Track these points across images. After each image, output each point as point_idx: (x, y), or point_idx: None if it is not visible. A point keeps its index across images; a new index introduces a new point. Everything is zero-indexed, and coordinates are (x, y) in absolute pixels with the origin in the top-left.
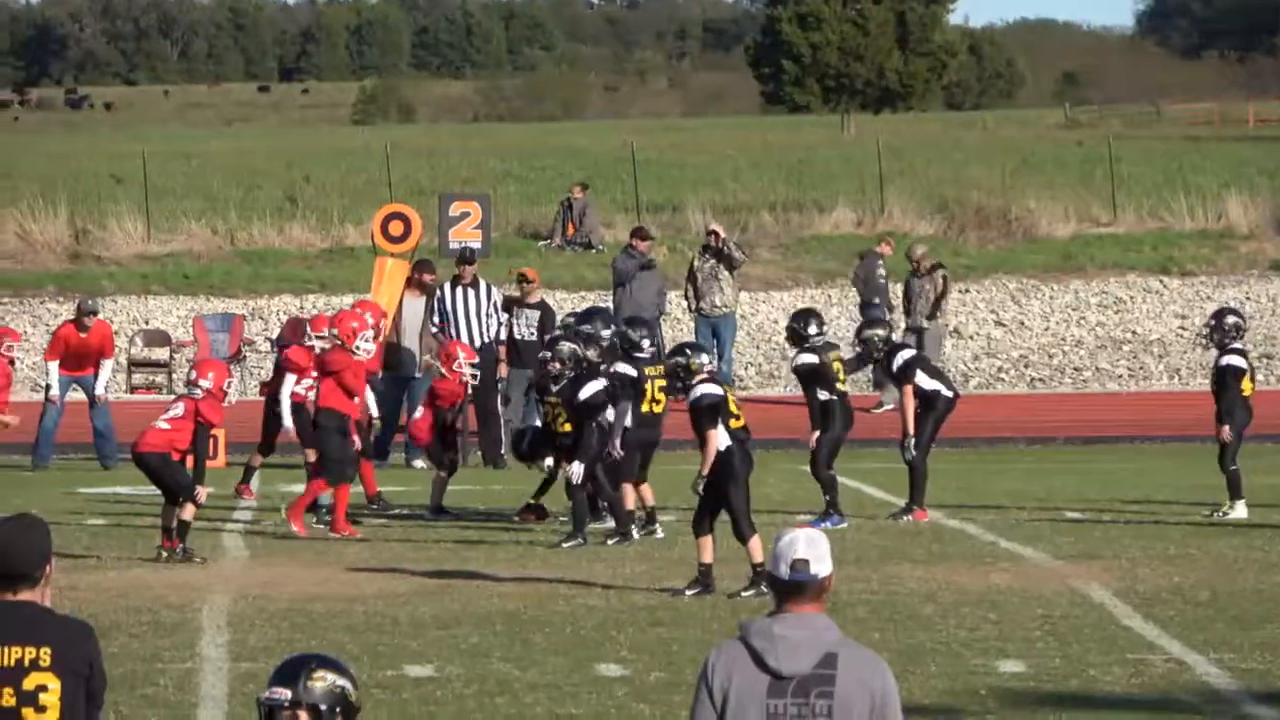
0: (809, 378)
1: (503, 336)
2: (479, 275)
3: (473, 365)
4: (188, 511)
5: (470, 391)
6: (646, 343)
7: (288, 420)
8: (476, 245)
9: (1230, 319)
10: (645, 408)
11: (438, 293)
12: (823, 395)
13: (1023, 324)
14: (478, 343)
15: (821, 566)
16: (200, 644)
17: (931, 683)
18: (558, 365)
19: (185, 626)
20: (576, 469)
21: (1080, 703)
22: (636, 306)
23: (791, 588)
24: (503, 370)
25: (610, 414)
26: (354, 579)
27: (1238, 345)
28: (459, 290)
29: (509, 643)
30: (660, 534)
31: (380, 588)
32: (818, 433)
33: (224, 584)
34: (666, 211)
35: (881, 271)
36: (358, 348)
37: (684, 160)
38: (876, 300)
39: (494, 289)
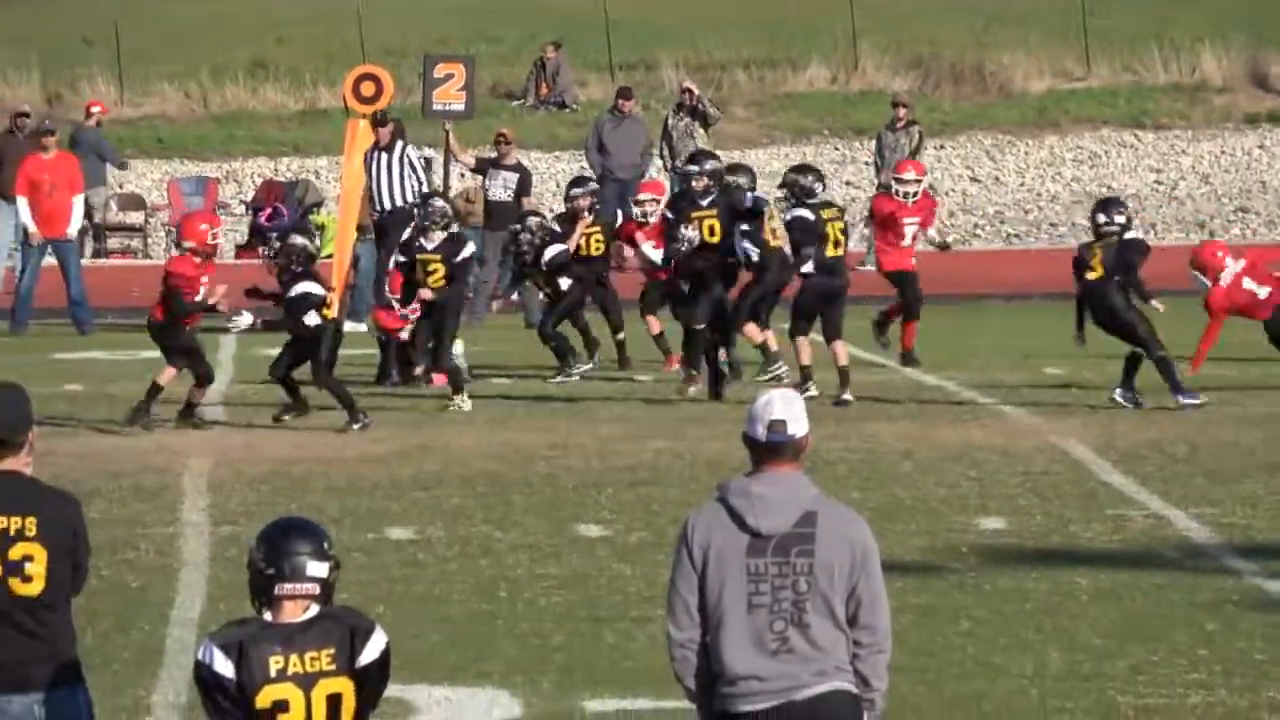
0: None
1: (415, 199)
2: (399, 137)
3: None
4: (164, 376)
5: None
6: (819, 187)
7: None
8: (460, 107)
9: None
10: (830, 251)
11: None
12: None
13: (998, 180)
14: (388, 206)
15: (798, 426)
16: (181, 508)
17: (912, 540)
18: (527, 237)
19: (166, 491)
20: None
21: (1061, 559)
22: (617, 165)
23: (769, 448)
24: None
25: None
26: (333, 442)
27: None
28: (375, 154)
29: (490, 504)
30: (813, 391)
31: (360, 450)
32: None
33: (204, 448)
34: (640, 70)
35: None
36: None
37: (656, 19)
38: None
39: (411, 151)
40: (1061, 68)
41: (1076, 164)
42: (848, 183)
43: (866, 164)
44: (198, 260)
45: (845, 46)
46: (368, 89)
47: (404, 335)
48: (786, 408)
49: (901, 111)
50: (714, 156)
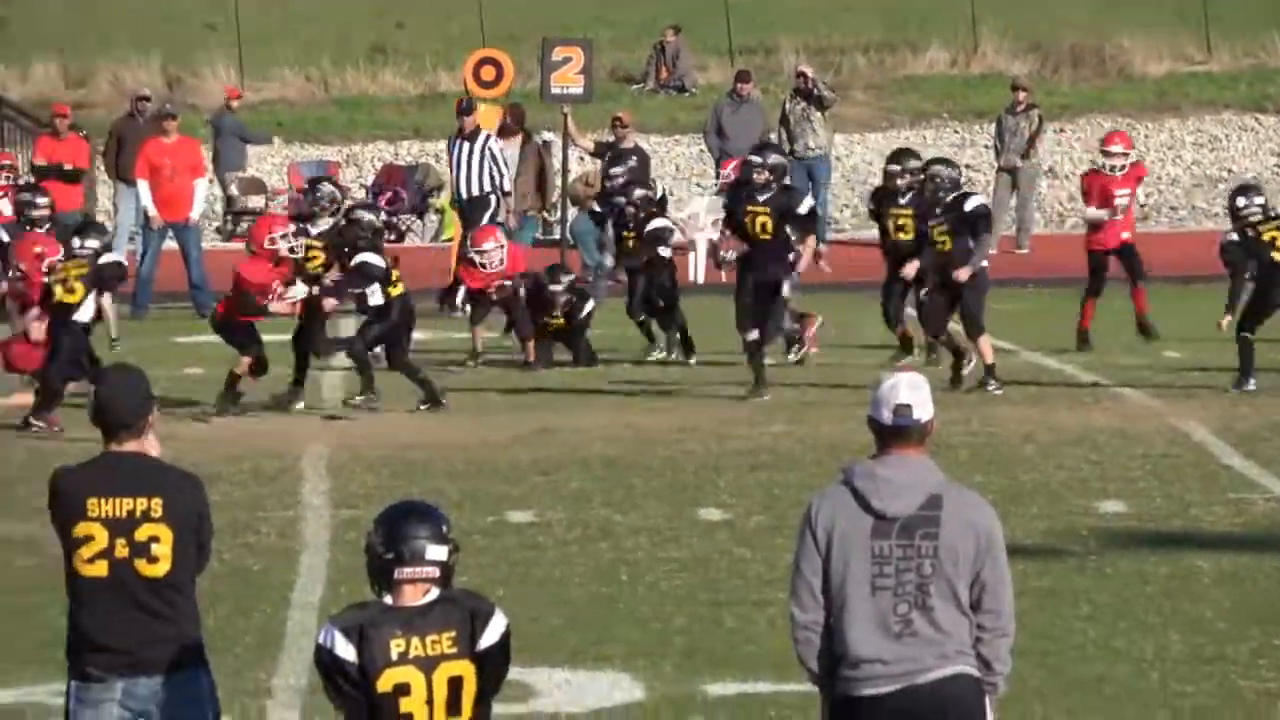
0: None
1: (506, 188)
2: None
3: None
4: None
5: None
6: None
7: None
8: (578, 90)
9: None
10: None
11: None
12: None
13: None
14: (465, 194)
15: (924, 411)
16: (302, 491)
17: (1033, 524)
18: (632, 210)
19: (286, 474)
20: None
21: (1182, 542)
22: (736, 149)
23: (895, 431)
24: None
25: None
26: (453, 426)
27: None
28: (458, 142)
29: (610, 488)
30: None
31: (480, 435)
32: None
33: (324, 432)
34: (759, 54)
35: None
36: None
37: (776, 2)
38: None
39: (493, 140)
40: (1181, 51)
41: (1197, 147)
42: (967, 166)
43: (986, 147)
44: (271, 265)
45: (965, 29)
46: (488, 73)
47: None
48: (912, 391)
49: (1021, 95)
50: (778, 150)
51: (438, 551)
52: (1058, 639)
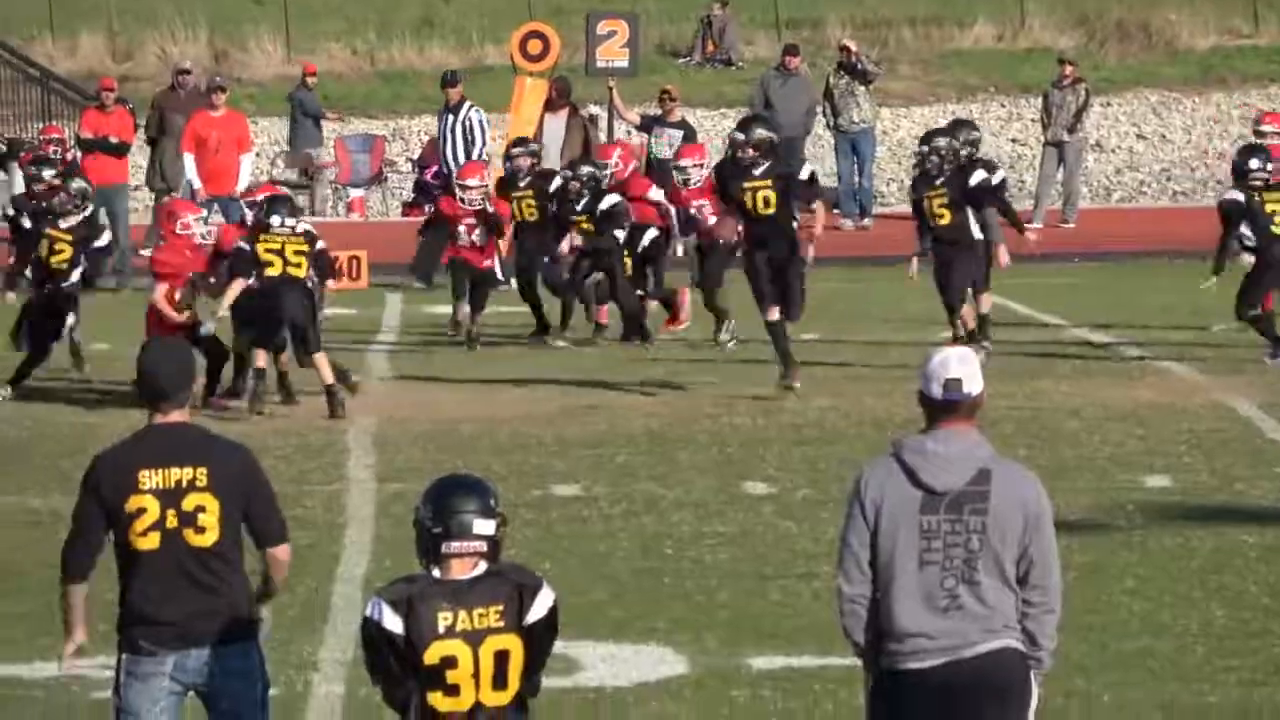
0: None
1: (483, 157)
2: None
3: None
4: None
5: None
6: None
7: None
8: (624, 64)
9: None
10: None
11: None
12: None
13: (1164, 137)
14: (451, 165)
15: (974, 384)
16: (347, 465)
17: (1079, 498)
18: (576, 185)
19: (332, 448)
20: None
21: (1227, 516)
22: (784, 123)
23: (944, 406)
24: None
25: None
26: (497, 400)
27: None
28: (444, 115)
29: (655, 461)
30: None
31: (525, 409)
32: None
33: (369, 406)
34: (806, 28)
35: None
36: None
37: None
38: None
39: (477, 113)
40: (1228, 24)
41: (1244, 121)
42: (1013, 140)
43: (1033, 121)
44: (187, 251)
45: (1012, 3)
46: (534, 46)
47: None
48: (962, 365)
49: (1068, 69)
50: (765, 122)
51: (486, 526)
52: (1102, 613)
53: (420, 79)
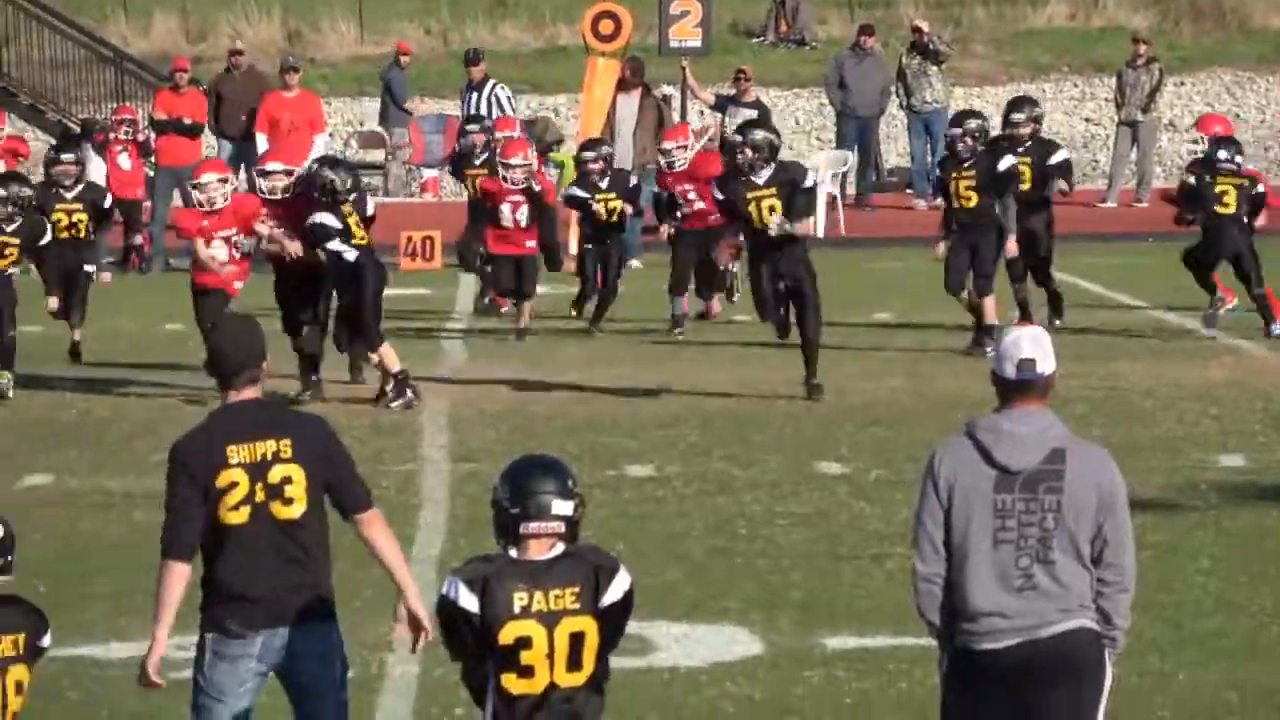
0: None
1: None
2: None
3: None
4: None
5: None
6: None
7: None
8: (696, 43)
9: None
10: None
11: None
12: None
13: (1238, 116)
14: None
15: (1047, 364)
16: (421, 445)
17: (1152, 478)
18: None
19: (405, 429)
20: None
21: None
22: (858, 103)
23: (1019, 385)
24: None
25: None
26: (568, 380)
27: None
28: (468, 93)
29: (728, 442)
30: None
31: (599, 389)
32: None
33: (443, 386)
34: (880, 7)
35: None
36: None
37: None
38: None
39: (502, 89)
40: None
41: None
42: (1087, 119)
43: (1106, 100)
44: (203, 213)
45: None
46: (606, 27)
47: None
48: (1035, 345)
49: (1142, 48)
50: (765, 125)
51: (563, 506)
52: (1177, 593)
53: (493, 58)
